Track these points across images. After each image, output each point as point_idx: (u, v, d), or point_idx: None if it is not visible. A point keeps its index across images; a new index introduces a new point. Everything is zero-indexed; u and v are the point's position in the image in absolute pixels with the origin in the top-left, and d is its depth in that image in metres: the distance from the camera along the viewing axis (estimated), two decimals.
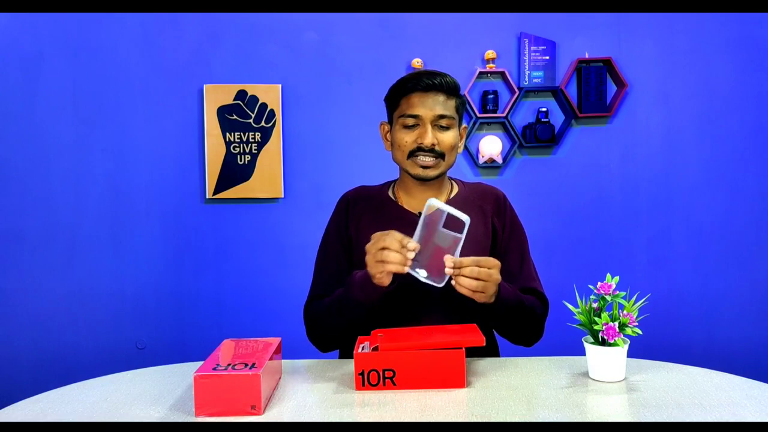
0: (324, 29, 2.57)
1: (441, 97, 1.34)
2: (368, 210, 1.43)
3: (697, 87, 2.57)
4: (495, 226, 1.43)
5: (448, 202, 1.42)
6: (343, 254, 1.42)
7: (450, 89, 1.35)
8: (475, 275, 1.16)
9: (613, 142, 2.59)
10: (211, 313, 2.59)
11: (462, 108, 1.40)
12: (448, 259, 1.16)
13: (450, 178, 1.49)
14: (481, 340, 1.11)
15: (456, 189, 1.47)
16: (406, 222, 1.37)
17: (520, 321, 1.34)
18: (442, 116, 1.33)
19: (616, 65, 2.53)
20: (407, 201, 1.43)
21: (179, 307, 2.59)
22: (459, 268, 1.16)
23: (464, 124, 1.44)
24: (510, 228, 1.45)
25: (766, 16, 2.54)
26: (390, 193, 1.45)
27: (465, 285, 1.16)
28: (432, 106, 1.33)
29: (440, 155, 1.34)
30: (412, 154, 1.34)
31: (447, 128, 1.35)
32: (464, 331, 1.17)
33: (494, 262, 1.19)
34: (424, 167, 1.34)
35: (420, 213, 1.38)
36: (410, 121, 1.34)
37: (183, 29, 2.56)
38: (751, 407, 1.00)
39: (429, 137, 1.32)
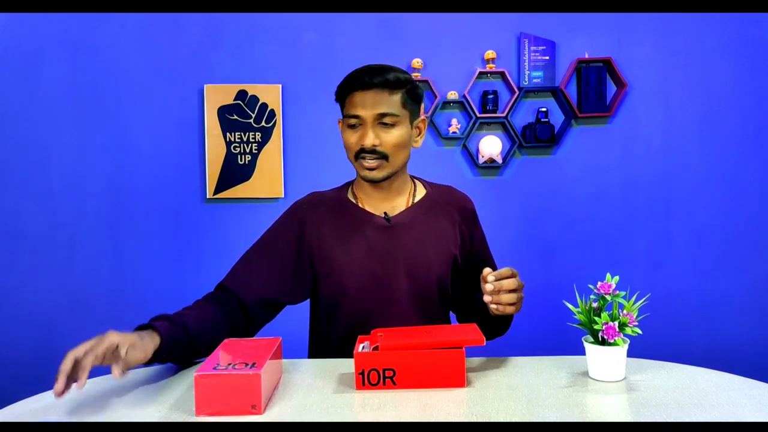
0: (324, 29, 2.57)
1: (384, 95, 1.28)
2: (327, 215, 1.39)
3: (697, 87, 2.57)
4: (463, 235, 1.42)
5: (413, 205, 1.40)
6: (289, 261, 1.37)
7: (393, 84, 1.28)
8: (515, 287, 1.18)
9: (613, 142, 2.59)
10: None
11: (412, 101, 1.33)
12: (490, 275, 1.16)
13: (414, 178, 1.45)
14: (482, 340, 1.11)
15: (421, 191, 1.43)
16: (368, 223, 1.36)
17: (500, 326, 1.38)
18: (383, 114, 1.28)
19: (616, 65, 2.53)
20: (367, 202, 1.40)
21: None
22: (500, 279, 1.17)
23: (421, 117, 1.38)
24: (479, 239, 1.45)
25: (766, 16, 2.54)
26: (349, 196, 1.41)
27: (506, 300, 1.18)
28: (372, 104, 1.28)
29: (383, 156, 1.30)
30: (357, 155, 1.31)
31: (391, 126, 1.30)
32: (464, 330, 1.17)
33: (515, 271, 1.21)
34: (369, 169, 1.30)
35: (385, 213, 1.37)
36: (353, 121, 1.31)
37: (183, 29, 2.56)
38: (751, 407, 1.00)
39: (370, 138, 1.28)
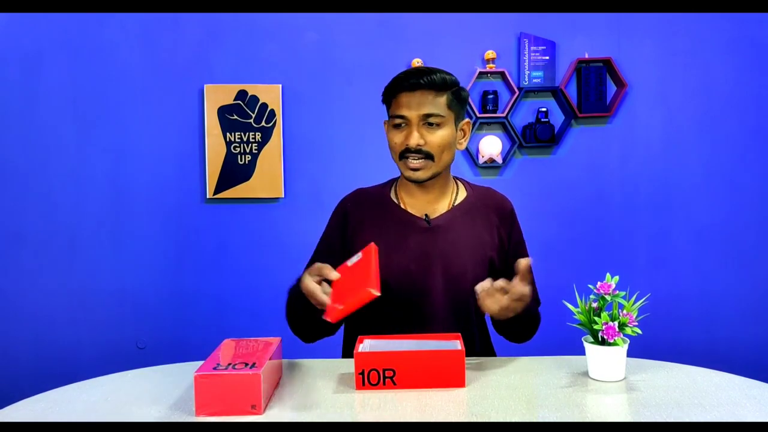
0: (324, 29, 2.57)
1: (429, 96, 1.30)
2: (369, 214, 1.41)
3: (697, 87, 2.57)
4: (501, 236, 1.42)
5: (453, 207, 1.41)
6: (339, 256, 1.40)
7: (439, 86, 1.31)
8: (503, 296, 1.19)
9: (613, 142, 2.59)
10: (211, 313, 2.59)
11: (458, 103, 1.35)
12: (478, 286, 1.19)
13: (457, 180, 1.46)
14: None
15: (463, 193, 1.44)
16: (408, 225, 1.37)
17: (525, 327, 1.38)
18: (428, 115, 1.30)
19: (616, 65, 2.53)
20: (410, 202, 1.41)
21: (180, 307, 2.59)
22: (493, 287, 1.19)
23: (466, 119, 1.40)
24: (516, 240, 1.45)
25: (766, 16, 2.54)
26: (392, 195, 1.43)
27: (488, 304, 1.20)
28: (418, 105, 1.30)
29: (428, 156, 1.31)
30: (402, 155, 1.33)
31: (436, 126, 1.31)
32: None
33: (521, 289, 1.19)
34: (414, 169, 1.32)
35: (426, 215, 1.38)
36: (398, 122, 1.33)
37: (183, 29, 2.56)
38: (751, 407, 1.00)
39: (414, 138, 1.30)
